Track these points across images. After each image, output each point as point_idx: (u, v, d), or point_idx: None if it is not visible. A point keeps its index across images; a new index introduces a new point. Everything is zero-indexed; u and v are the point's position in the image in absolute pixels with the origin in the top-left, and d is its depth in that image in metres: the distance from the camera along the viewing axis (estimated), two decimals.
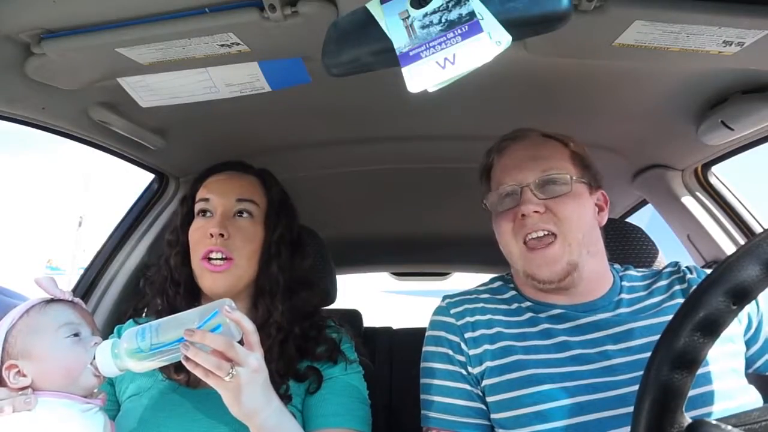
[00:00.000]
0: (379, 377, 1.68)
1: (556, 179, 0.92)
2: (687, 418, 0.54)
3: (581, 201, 0.92)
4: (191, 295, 1.04)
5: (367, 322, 2.22)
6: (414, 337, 2.08)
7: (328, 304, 1.40)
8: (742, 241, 1.43)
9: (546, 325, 0.91)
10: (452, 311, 0.98)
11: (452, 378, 0.92)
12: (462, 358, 0.93)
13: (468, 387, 0.91)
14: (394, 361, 1.95)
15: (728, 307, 0.52)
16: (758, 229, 1.43)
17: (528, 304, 0.96)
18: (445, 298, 1.02)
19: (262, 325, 0.99)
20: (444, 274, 3.02)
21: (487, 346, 0.91)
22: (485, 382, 0.90)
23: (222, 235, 0.99)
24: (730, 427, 0.52)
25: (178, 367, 0.97)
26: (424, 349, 0.99)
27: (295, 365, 0.99)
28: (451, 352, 0.94)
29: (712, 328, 0.53)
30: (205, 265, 0.99)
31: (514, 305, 0.96)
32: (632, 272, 1.00)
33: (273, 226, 1.06)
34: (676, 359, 0.53)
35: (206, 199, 1.05)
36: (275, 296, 1.02)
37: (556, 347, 0.88)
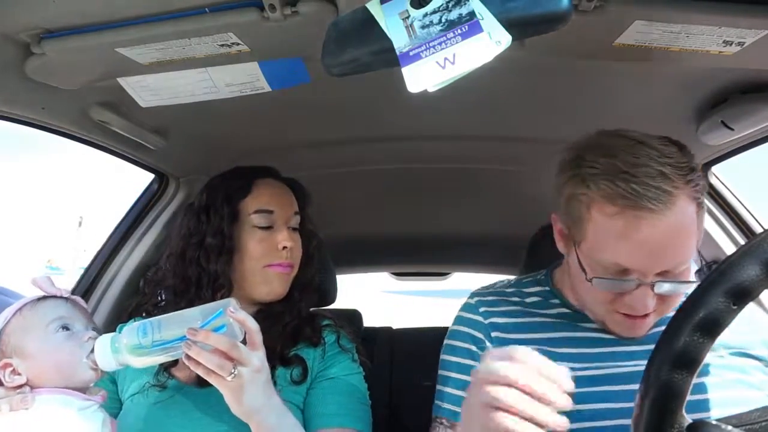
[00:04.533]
0: (379, 377, 1.67)
1: (680, 288, 0.79)
2: (687, 418, 0.54)
3: None
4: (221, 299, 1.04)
5: (367, 322, 2.22)
6: (414, 337, 2.11)
7: (328, 304, 1.40)
8: (742, 241, 1.43)
9: (582, 334, 0.90)
10: (481, 309, 0.96)
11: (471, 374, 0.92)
12: None
13: None
14: (394, 361, 1.94)
15: (728, 307, 0.52)
16: (758, 229, 1.43)
17: (567, 311, 0.94)
18: (474, 295, 1.01)
19: (280, 314, 1.05)
20: (444, 274, 3.02)
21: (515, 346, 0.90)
22: None
23: (292, 248, 1.06)
24: (730, 428, 0.52)
25: (176, 366, 0.98)
26: (447, 341, 0.98)
27: (283, 350, 1.01)
28: (475, 349, 0.93)
29: (712, 328, 0.53)
30: (274, 269, 1.05)
31: (551, 309, 0.95)
32: None
33: (309, 235, 1.14)
34: (676, 359, 0.53)
35: (269, 211, 1.07)
36: (305, 292, 1.11)
37: (589, 357, 0.87)
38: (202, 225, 1.06)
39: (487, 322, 0.94)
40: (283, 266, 1.05)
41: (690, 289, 0.76)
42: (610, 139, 0.82)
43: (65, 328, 0.80)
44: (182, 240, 1.07)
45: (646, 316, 0.82)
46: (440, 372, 0.97)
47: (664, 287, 0.78)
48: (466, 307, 1.00)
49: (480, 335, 0.93)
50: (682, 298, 0.80)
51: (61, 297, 0.84)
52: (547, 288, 0.99)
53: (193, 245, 1.05)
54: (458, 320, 0.99)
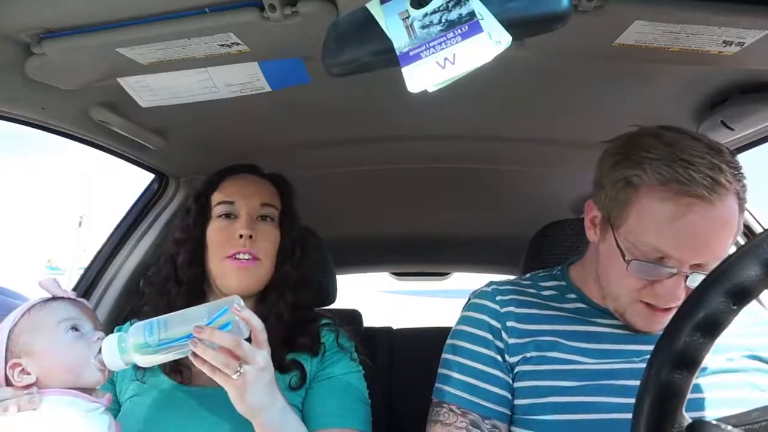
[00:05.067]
0: (379, 377, 1.68)
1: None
2: (687, 418, 0.54)
3: None
4: (195, 295, 1.05)
5: (367, 322, 2.22)
6: (414, 338, 2.11)
7: (328, 304, 1.40)
8: (742, 241, 1.43)
9: (597, 329, 0.91)
10: (498, 298, 0.96)
11: (485, 362, 0.92)
12: (501, 345, 0.92)
13: (500, 374, 0.91)
14: (394, 361, 1.94)
15: (728, 307, 0.52)
16: (758, 229, 1.43)
17: (583, 306, 0.94)
18: (491, 284, 1.01)
19: (265, 317, 1.01)
20: (444, 274, 3.02)
21: (530, 339, 0.91)
22: (519, 368, 0.90)
23: (250, 237, 1.03)
24: (730, 427, 0.52)
25: (174, 368, 0.98)
26: (458, 327, 0.98)
27: (280, 355, 1.00)
28: (490, 337, 0.93)
29: (712, 328, 0.53)
30: (232, 263, 1.02)
31: (567, 304, 0.95)
32: None
33: (289, 228, 1.11)
34: (676, 359, 0.53)
35: (230, 202, 1.07)
36: (284, 292, 1.07)
37: (602, 353, 0.88)
38: (180, 223, 1.11)
39: (503, 311, 0.94)
40: (242, 254, 1.02)
41: None
42: (667, 131, 0.84)
43: (75, 328, 0.80)
44: (171, 240, 1.13)
45: (667, 310, 0.83)
46: (448, 356, 0.97)
47: (698, 279, 0.78)
48: (481, 295, 0.99)
49: (497, 324, 0.93)
50: None
51: (68, 299, 0.84)
52: (564, 283, 0.99)
53: (172, 242, 1.11)
54: (473, 307, 0.99)
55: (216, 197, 1.09)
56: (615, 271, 0.85)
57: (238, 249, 1.02)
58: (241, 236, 1.03)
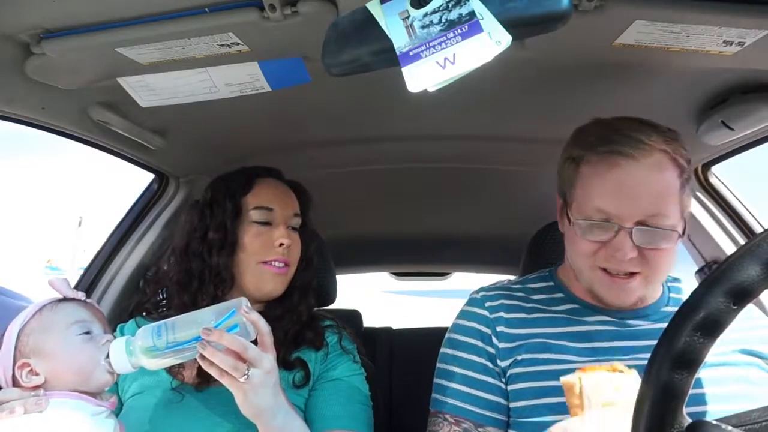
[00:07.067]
0: (379, 377, 1.67)
1: (662, 235, 0.83)
2: (687, 418, 0.54)
3: (675, 249, 0.87)
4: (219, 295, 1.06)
5: (367, 322, 2.22)
6: (414, 337, 2.11)
7: (328, 304, 1.40)
8: (742, 241, 1.43)
9: (587, 327, 0.92)
10: (487, 304, 0.98)
11: (476, 369, 0.93)
12: (491, 350, 0.93)
13: (491, 380, 0.92)
14: (394, 361, 1.94)
15: (728, 307, 0.52)
16: (758, 229, 1.43)
17: (572, 306, 0.95)
18: (480, 290, 1.02)
19: (281, 317, 1.05)
20: (444, 274, 3.02)
21: (521, 342, 0.91)
22: (512, 371, 0.90)
23: (288, 246, 1.07)
24: (730, 428, 0.52)
25: (185, 364, 0.98)
26: (450, 335, 0.99)
27: (286, 352, 1.01)
28: (480, 344, 0.94)
29: (712, 328, 0.53)
30: (268, 268, 1.05)
31: (556, 305, 0.96)
32: (681, 284, 1.00)
33: (309, 236, 1.16)
34: (676, 359, 0.53)
35: (269, 209, 1.08)
36: (307, 295, 1.11)
37: (593, 351, 0.88)
38: (206, 220, 1.08)
39: (492, 316, 0.95)
40: (278, 262, 1.06)
41: (666, 236, 0.83)
42: (619, 120, 0.90)
43: (85, 331, 0.80)
44: (186, 235, 1.09)
45: (628, 276, 0.86)
46: (441, 366, 0.97)
47: (641, 233, 0.83)
48: (471, 302, 1.01)
49: (487, 330, 0.94)
50: (665, 259, 0.86)
51: (79, 300, 0.84)
52: (552, 283, 1.00)
53: (196, 240, 1.07)
54: (463, 315, 1.00)
55: (251, 200, 1.09)
56: (571, 243, 0.90)
57: (276, 257, 1.06)
58: (281, 245, 1.05)
